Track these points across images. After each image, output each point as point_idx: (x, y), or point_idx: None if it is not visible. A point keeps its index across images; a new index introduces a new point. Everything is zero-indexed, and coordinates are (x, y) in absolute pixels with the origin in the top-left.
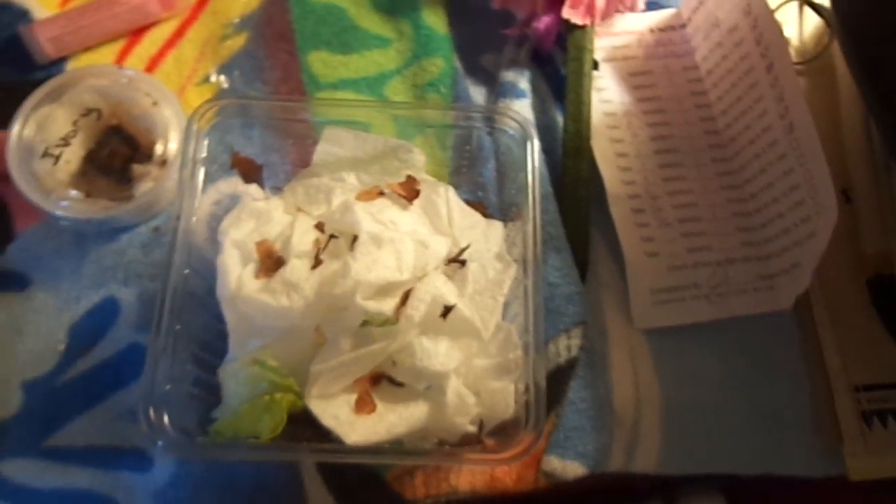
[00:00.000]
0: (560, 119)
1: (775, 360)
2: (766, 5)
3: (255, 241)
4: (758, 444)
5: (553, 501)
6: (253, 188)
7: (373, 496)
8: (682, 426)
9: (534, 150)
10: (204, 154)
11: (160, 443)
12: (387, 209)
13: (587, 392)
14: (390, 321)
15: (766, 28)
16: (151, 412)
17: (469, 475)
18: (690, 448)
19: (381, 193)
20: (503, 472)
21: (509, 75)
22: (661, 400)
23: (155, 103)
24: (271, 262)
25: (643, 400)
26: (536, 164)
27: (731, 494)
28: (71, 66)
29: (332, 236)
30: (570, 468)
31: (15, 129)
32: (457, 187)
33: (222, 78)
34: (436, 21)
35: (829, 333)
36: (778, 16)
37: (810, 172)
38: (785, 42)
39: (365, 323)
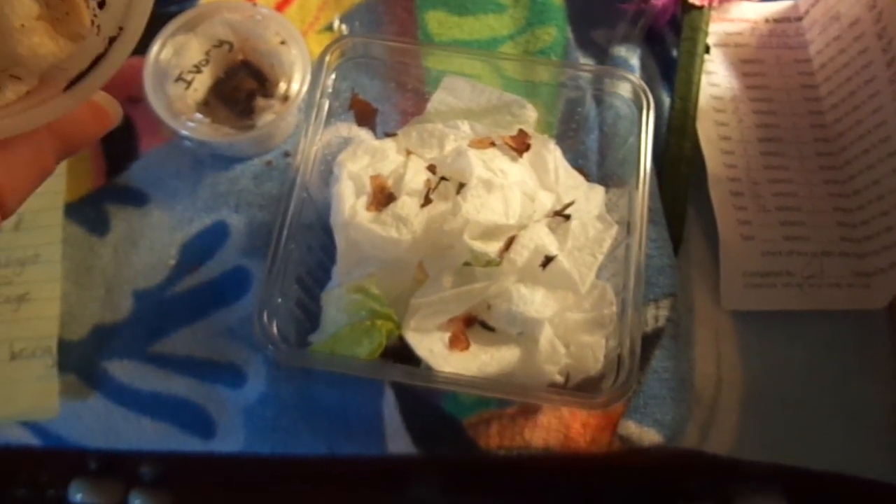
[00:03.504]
0: (666, 98)
1: (864, 358)
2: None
3: (370, 175)
4: (837, 441)
5: (616, 474)
6: (364, 132)
7: (448, 440)
8: (760, 412)
9: (649, 111)
10: (330, 90)
11: (270, 347)
12: (497, 159)
13: (670, 363)
14: (493, 262)
15: (890, 22)
16: (265, 317)
17: (544, 432)
18: (767, 435)
19: (493, 144)
20: (578, 432)
21: (621, 50)
22: (742, 383)
23: (283, 42)
24: (383, 196)
25: (724, 381)
26: (651, 125)
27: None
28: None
29: (442, 178)
30: (646, 435)
31: (154, 50)
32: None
33: (343, 27)
34: None
35: None
36: None
37: None
38: None
39: (468, 263)
